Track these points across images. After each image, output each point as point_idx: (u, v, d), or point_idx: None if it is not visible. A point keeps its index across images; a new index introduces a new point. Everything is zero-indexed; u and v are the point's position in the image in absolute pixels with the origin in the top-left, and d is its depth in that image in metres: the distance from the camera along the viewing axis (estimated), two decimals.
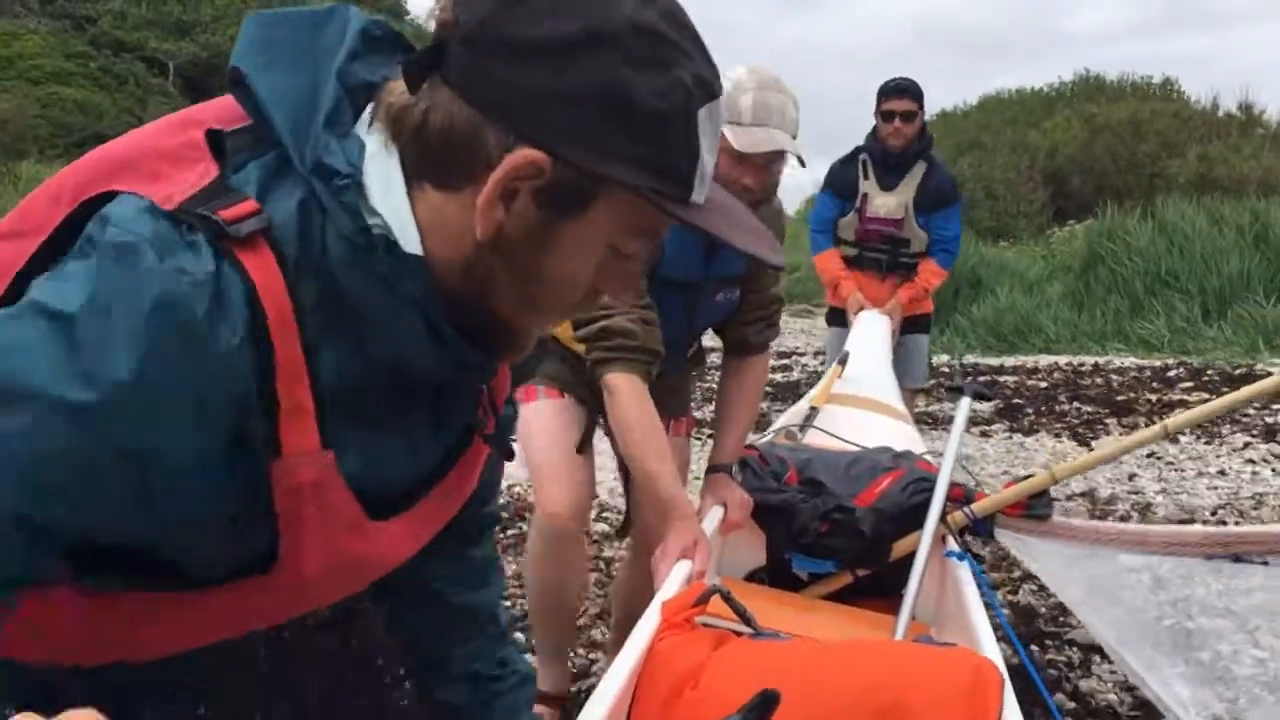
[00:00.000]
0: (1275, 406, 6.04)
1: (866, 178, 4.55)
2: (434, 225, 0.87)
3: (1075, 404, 6.49)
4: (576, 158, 0.83)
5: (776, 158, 2.29)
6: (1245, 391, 2.52)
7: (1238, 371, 7.27)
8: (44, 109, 26.18)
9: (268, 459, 0.87)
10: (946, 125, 37.52)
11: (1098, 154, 22.61)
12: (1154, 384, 7.05)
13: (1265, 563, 2.30)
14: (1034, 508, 2.29)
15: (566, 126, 0.82)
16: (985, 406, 6.58)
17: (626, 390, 2.17)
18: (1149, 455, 5.10)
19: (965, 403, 2.85)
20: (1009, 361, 8.73)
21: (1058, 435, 5.63)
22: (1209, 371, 7.34)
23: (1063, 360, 8.56)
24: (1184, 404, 6.20)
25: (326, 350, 0.88)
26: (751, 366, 2.54)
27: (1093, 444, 5.39)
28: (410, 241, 0.87)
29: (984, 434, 5.76)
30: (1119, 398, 6.60)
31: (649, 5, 0.85)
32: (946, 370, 8.33)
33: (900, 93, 4.38)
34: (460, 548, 1.29)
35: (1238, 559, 2.28)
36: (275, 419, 0.86)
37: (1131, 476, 4.76)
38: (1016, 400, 6.76)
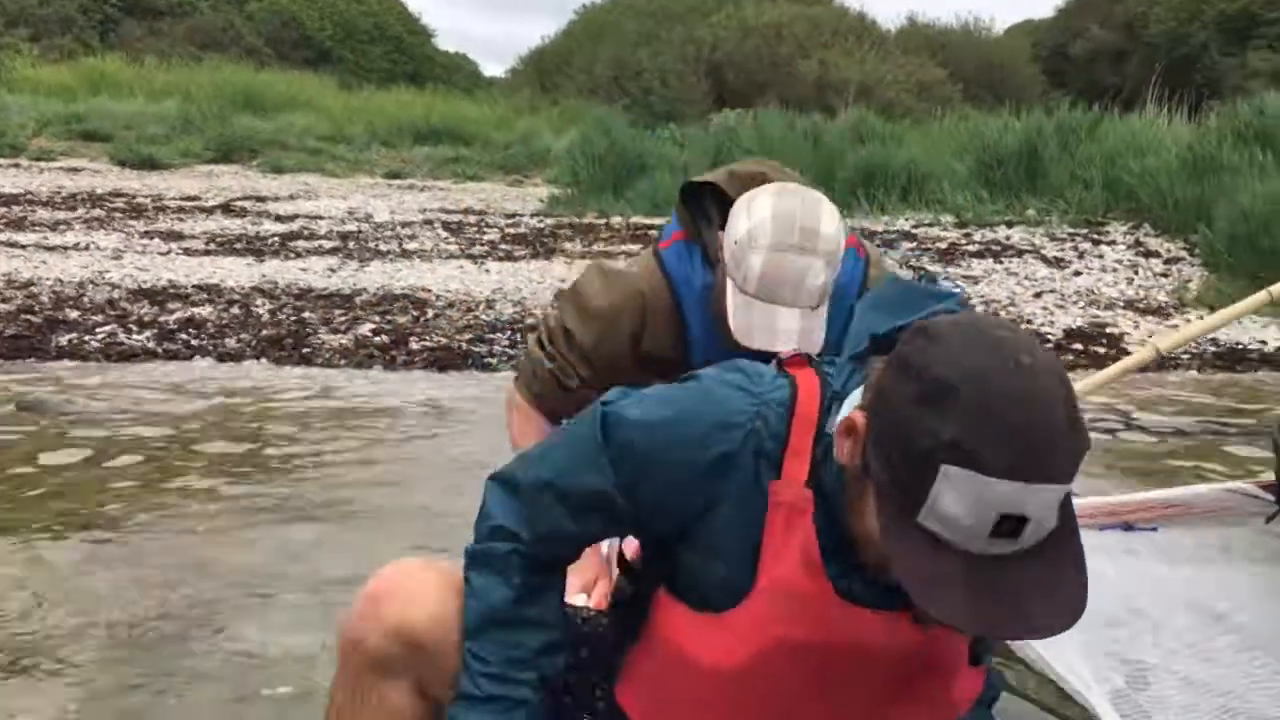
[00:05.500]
0: None
1: None
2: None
3: None
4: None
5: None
6: (1234, 309, 2.77)
7: None
8: None
9: (770, 478, 1.32)
10: (635, 8, 41.85)
11: (748, 53, 27.78)
12: None
13: (1154, 529, 2.44)
14: None
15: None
16: (637, 247, 11.17)
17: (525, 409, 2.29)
18: None
19: None
20: (659, 221, 13.34)
21: None
22: None
23: None
24: None
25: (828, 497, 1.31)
26: None
27: None
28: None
29: (631, 258, 10.35)
30: None
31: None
32: (617, 224, 12.81)
33: None
34: None
35: (1129, 528, 2.37)
36: (783, 455, 1.32)
37: None
38: None
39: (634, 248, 11.20)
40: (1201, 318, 8.38)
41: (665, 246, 2.30)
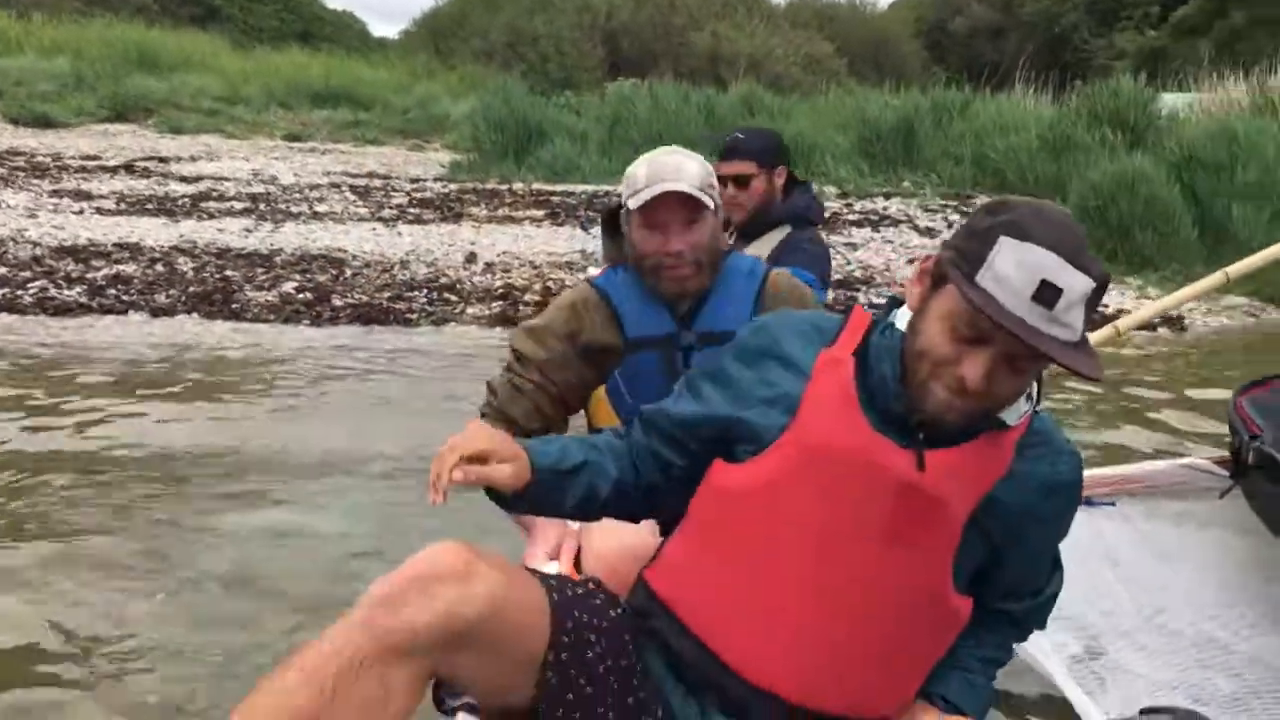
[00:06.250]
0: None
1: None
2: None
3: (589, 212, 11.78)
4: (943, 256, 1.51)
5: (689, 214, 2.27)
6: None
7: None
8: None
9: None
10: None
11: (642, 22, 28.35)
12: (618, 198, 12.51)
13: (1113, 504, 2.50)
14: None
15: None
16: (540, 212, 11.72)
17: None
18: None
19: None
20: (560, 188, 13.89)
21: (577, 227, 10.87)
22: None
23: (591, 188, 13.85)
24: None
25: (870, 360, 1.59)
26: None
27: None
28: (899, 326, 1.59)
29: (535, 223, 10.91)
30: (601, 203, 11.99)
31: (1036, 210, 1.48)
32: (520, 190, 13.32)
33: (728, 154, 3.41)
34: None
35: (1088, 502, 2.37)
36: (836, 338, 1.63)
37: None
38: (559, 210, 11.93)
39: (538, 213, 11.76)
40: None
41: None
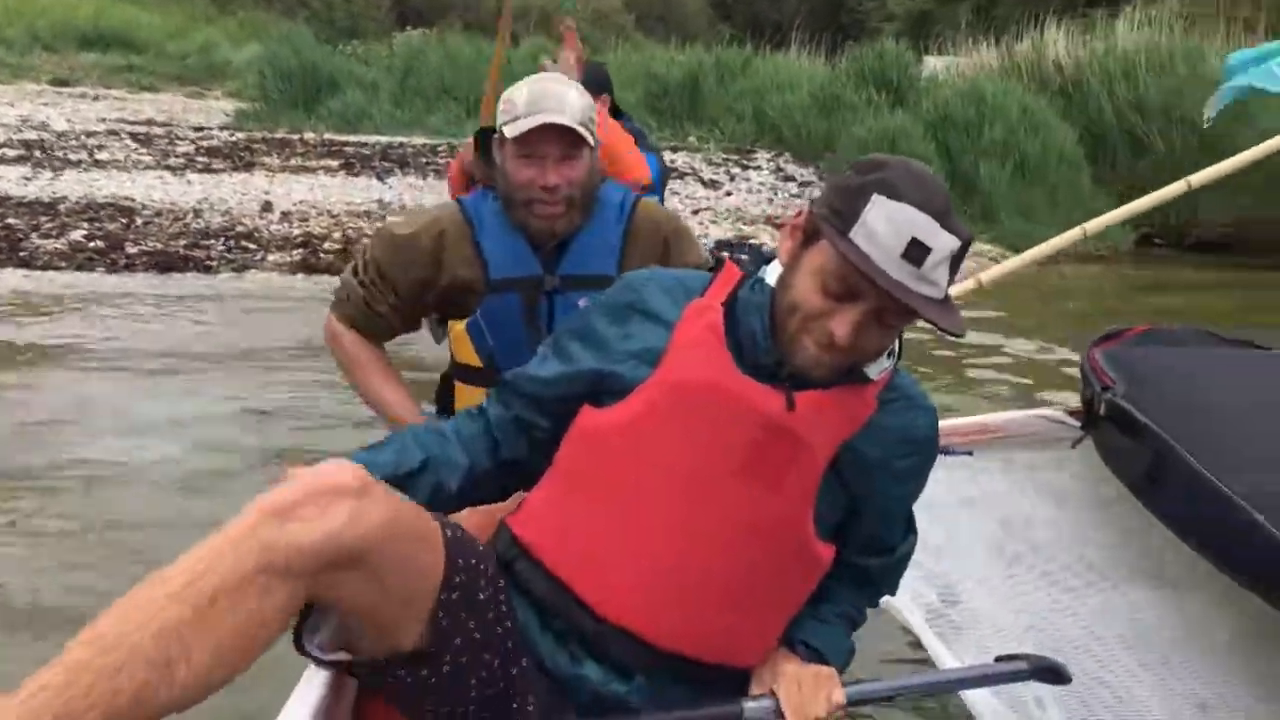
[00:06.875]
0: None
1: None
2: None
3: (384, 162, 11.87)
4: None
5: (567, 148, 2.23)
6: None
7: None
8: None
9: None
10: None
11: None
12: (412, 150, 12.60)
13: (969, 453, 2.52)
14: None
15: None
16: (334, 162, 11.72)
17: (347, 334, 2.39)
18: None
19: None
20: (353, 138, 13.85)
21: (373, 177, 10.97)
22: (441, 146, 13.01)
23: (385, 139, 13.87)
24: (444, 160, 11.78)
25: (738, 313, 1.62)
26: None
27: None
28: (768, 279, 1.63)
29: (330, 173, 10.95)
30: (396, 154, 12.13)
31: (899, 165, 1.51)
32: (311, 140, 13.22)
33: None
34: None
35: (945, 451, 2.31)
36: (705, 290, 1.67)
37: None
38: (354, 160, 11.97)
39: (332, 163, 11.77)
40: None
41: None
